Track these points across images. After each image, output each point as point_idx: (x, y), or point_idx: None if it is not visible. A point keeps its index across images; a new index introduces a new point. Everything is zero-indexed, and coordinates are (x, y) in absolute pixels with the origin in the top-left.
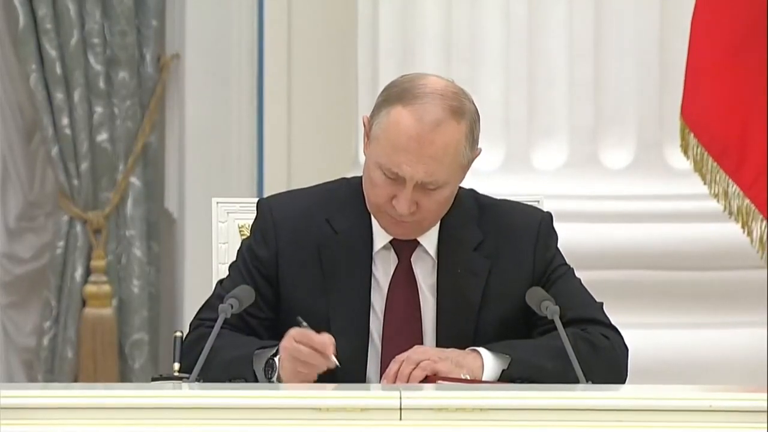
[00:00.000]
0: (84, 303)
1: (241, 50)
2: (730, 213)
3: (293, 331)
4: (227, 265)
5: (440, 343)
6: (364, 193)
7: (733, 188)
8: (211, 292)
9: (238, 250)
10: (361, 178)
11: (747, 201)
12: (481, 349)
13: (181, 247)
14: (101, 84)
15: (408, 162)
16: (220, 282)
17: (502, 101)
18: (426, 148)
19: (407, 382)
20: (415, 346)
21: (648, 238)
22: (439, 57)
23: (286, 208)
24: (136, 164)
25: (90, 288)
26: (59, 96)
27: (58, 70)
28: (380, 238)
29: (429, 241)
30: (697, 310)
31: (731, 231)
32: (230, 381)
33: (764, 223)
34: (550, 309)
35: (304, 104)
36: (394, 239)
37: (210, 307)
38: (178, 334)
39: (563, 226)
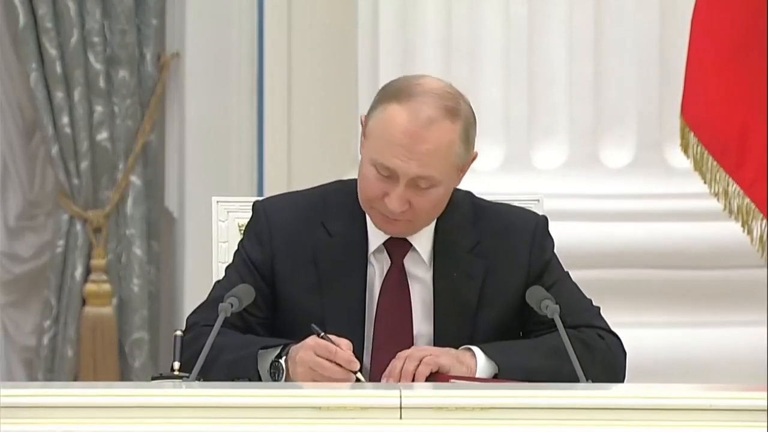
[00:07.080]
0: (84, 302)
1: (241, 50)
2: (730, 212)
3: (312, 343)
4: (227, 264)
5: (437, 345)
6: (358, 190)
7: (733, 187)
8: (209, 291)
9: (235, 252)
10: (355, 179)
11: (747, 200)
12: (476, 349)
13: (182, 246)
14: (101, 83)
15: (400, 157)
16: (218, 282)
17: (502, 101)
18: (418, 145)
19: (412, 380)
20: (414, 346)
21: (648, 237)
22: (439, 57)
23: (282, 212)
24: (136, 163)
25: (90, 287)
26: (59, 95)
27: (58, 69)
28: (375, 239)
29: (422, 244)
30: (697, 310)
31: (731, 230)
32: (233, 380)
33: (764, 222)
34: (550, 308)
35: (304, 104)
36: (387, 241)
37: (208, 307)
38: (179, 333)
39: (563, 226)
